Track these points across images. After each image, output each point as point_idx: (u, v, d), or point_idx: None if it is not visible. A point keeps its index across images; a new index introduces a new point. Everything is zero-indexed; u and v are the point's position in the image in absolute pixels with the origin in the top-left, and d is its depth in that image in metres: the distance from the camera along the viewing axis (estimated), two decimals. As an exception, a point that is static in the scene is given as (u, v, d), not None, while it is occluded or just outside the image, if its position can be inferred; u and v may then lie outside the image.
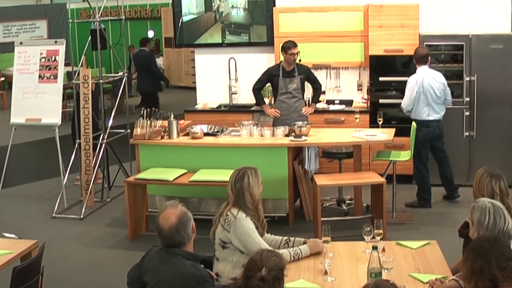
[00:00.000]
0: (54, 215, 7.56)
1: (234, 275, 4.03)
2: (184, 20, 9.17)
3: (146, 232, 6.93)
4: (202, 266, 3.58)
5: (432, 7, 8.26)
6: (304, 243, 4.29)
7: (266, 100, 8.23)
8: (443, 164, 7.54)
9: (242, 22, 8.99)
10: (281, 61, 7.59)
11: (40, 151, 11.22)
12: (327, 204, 7.47)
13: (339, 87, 8.81)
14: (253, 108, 8.66)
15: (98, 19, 7.95)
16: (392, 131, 7.18)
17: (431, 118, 7.30)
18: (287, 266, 3.18)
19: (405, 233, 6.52)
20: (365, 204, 7.24)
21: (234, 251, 4.16)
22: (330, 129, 7.74)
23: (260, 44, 8.93)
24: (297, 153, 7.09)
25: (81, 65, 8.44)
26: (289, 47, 7.35)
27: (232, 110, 8.91)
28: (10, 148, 8.29)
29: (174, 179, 6.61)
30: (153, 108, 7.12)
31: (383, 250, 4.15)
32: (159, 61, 18.48)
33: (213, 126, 7.38)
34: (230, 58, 9.07)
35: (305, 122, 7.14)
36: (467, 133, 7.96)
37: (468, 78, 7.90)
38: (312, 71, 7.86)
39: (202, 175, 6.59)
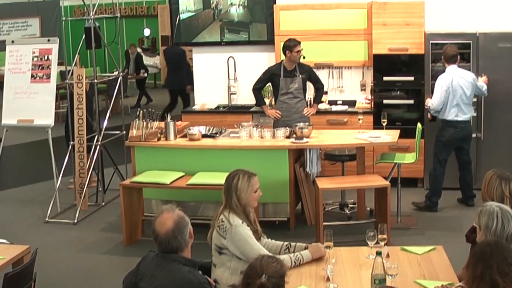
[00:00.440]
0: (47, 219, 7.56)
1: (232, 282, 4.05)
2: (181, 18, 9.18)
3: (142, 237, 6.93)
4: (200, 272, 3.58)
5: (438, 4, 8.26)
6: (306, 248, 4.29)
7: (267, 101, 8.23)
8: (465, 169, 7.56)
9: (241, 20, 9.00)
10: (282, 60, 7.59)
11: (32, 153, 11.22)
12: (330, 208, 7.47)
13: (342, 87, 8.82)
14: (252, 109, 8.66)
15: (92, 16, 7.96)
16: (396, 132, 7.18)
17: (459, 118, 7.33)
18: (288, 273, 3.18)
19: (410, 238, 6.52)
20: (368, 208, 7.24)
21: (231, 257, 4.17)
22: (332, 130, 7.75)
23: (260, 42, 8.94)
24: (298, 155, 7.09)
25: (75, 65, 8.43)
26: (294, 45, 7.35)
27: (231, 111, 8.91)
28: (2, 150, 8.29)
29: (171, 182, 6.61)
30: (150, 109, 7.12)
31: (387, 255, 4.15)
32: (156, 60, 18.53)
33: (212, 128, 7.37)
34: (229, 57, 9.07)
35: (307, 124, 7.15)
36: (474, 135, 7.95)
37: (475, 78, 7.91)
38: (314, 70, 7.86)
39: (200, 178, 6.59)
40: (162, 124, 7.07)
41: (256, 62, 8.86)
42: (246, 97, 8.91)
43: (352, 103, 8.67)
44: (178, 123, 7.40)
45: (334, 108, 8.59)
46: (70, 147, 8.07)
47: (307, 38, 8.33)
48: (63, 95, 13.05)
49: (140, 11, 19.81)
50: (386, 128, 7.21)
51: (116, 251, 6.63)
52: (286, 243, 4.45)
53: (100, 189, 8.28)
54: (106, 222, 7.54)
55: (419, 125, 7.18)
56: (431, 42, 7.94)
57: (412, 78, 8.12)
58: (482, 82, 7.50)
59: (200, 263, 3.80)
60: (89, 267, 6.26)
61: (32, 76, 8.05)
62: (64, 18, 8.90)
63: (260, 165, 6.72)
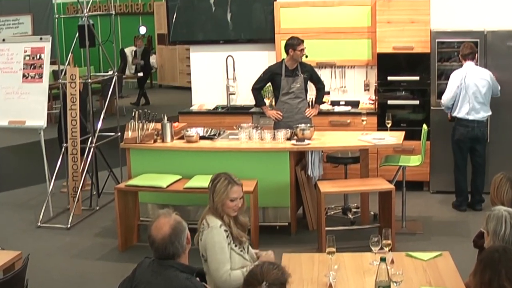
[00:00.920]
0: (39, 224, 7.56)
1: None
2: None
3: (138, 242, 6.93)
4: (197, 279, 3.58)
5: (444, 1, 8.27)
6: (258, 257, 4.33)
7: (266, 101, 8.23)
8: (476, 171, 7.59)
9: (241, 17, 8.99)
10: (283, 59, 7.59)
11: (24, 156, 11.21)
12: (332, 212, 7.47)
13: (345, 87, 8.83)
14: (252, 110, 8.66)
15: (86, 14, 7.96)
16: (401, 134, 7.19)
17: (471, 117, 7.36)
18: (289, 280, 3.18)
19: (416, 243, 6.52)
20: (372, 213, 7.25)
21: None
22: (335, 132, 7.75)
23: (260, 41, 8.94)
24: (299, 158, 7.09)
25: (68, 64, 8.45)
26: (298, 43, 7.36)
27: (230, 112, 8.92)
28: (-8, 153, 8.30)
29: (167, 186, 6.61)
30: (146, 110, 7.13)
31: (392, 262, 4.15)
32: (152, 59, 18.53)
33: (210, 129, 7.38)
34: (227, 56, 9.08)
35: (308, 125, 7.15)
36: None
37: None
38: (316, 70, 7.87)
39: (197, 182, 6.59)
40: (159, 125, 7.07)
41: (256, 61, 8.86)
42: (246, 98, 8.91)
43: (355, 104, 8.68)
44: (175, 124, 7.41)
45: (337, 109, 8.59)
46: (63, 149, 8.07)
47: (308, 36, 8.33)
48: (56, 95, 13.05)
49: (136, 8, 19.82)
50: (391, 130, 7.22)
51: (111, 257, 6.62)
52: (256, 251, 4.47)
53: (94, 192, 8.28)
54: (100, 227, 7.54)
55: (424, 126, 7.19)
56: (437, 40, 7.95)
57: (417, 78, 8.12)
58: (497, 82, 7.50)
59: (198, 269, 3.81)
60: (82, 273, 6.26)
61: (23, 75, 8.04)
62: (57, 16, 8.90)
63: (260, 168, 6.74)
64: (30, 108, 7.93)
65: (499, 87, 7.49)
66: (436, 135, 8.00)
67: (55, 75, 12.45)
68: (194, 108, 9.21)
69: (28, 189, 9.10)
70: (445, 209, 7.60)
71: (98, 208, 8.12)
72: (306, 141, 6.85)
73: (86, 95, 8.30)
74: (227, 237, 4.20)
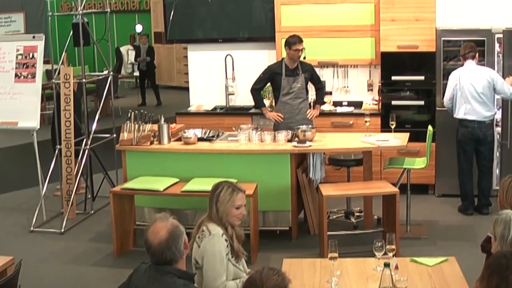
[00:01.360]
0: (31, 228, 7.56)
1: None
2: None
3: (134, 247, 6.93)
4: (195, 285, 3.58)
5: (450, -2, 8.29)
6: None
7: (266, 102, 8.24)
8: (482, 174, 7.60)
9: (240, 15, 9.00)
10: (283, 58, 7.59)
11: (16, 158, 11.22)
12: (334, 216, 7.48)
13: (348, 87, 8.83)
14: (252, 111, 8.67)
15: (80, 12, 7.97)
16: (406, 135, 7.19)
17: (469, 117, 7.40)
18: (290, 286, 3.18)
19: (421, 248, 6.53)
20: (376, 217, 7.25)
21: (201, 277, 4.17)
22: (337, 133, 7.75)
23: (260, 39, 8.95)
24: (300, 160, 7.09)
25: (62, 63, 8.45)
26: (294, 42, 7.36)
27: (229, 113, 8.92)
28: (-17, 155, 8.30)
29: (164, 189, 6.61)
30: (142, 111, 7.13)
31: (396, 267, 4.14)
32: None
33: (208, 131, 7.38)
34: (226, 55, 9.09)
35: (310, 126, 7.16)
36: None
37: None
38: (318, 69, 7.89)
39: (195, 185, 6.60)
40: (155, 126, 7.07)
41: (256, 60, 8.87)
42: (245, 98, 8.92)
43: (358, 104, 8.68)
44: (172, 125, 7.41)
45: (339, 109, 8.60)
46: (56, 152, 8.07)
47: (310, 34, 8.35)
48: (49, 95, 13.06)
49: (132, 5, 19.84)
50: (395, 131, 7.22)
51: (106, 263, 6.62)
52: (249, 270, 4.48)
53: (89, 196, 8.28)
54: (95, 231, 7.54)
55: (430, 127, 7.19)
56: (442, 39, 7.96)
57: (422, 78, 8.12)
58: (509, 84, 7.46)
59: (196, 275, 3.81)
60: (77, 279, 6.26)
61: (16, 75, 8.04)
62: (50, 13, 8.95)
63: (260, 170, 6.74)
64: (23, 109, 7.93)
65: (510, 88, 7.44)
66: (441, 136, 8.00)
67: (48, 74, 12.46)
68: (192, 108, 9.21)
69: (20, 192, 9.10)
70: (451, 213, 7.61)
71: (92, 212, 8.13)
72: (308, 143, 6.85)
73: (80, 95, 8.30)
74: (226, 246, 4.21)
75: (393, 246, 4.17)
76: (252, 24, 9.01)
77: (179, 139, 7.14)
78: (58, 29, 18.62)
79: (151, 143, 7.03)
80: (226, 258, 4.19)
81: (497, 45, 7.86)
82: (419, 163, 7.11)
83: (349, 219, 7.39)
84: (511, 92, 7.41)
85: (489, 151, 7.56)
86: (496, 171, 7.88)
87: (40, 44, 8.04)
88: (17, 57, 8.06)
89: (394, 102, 8.27)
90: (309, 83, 7.69)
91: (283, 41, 7.67)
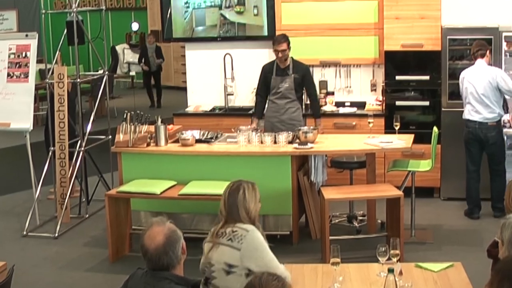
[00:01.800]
0: (24, 233, 7.56)
1: None
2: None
3: (130, 252, 6.93)
4: (193, 292, 3.58)
5: (456, -4, 8.30)
6: None
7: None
8: (491, 176, 7.61)
9: (239, 13, 9.01)
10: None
11: (9, 160, 11.22)
12: (337, 220, 7.47)
13: (350, 87, 8.84)
14: (251, 111, 8.66)
15: (75, 9, 7.97)
16: (410, 137, 7.19)
17: (471, 118, 7.45)
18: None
19: (426, 253, 6.53)
20: (379, 221, 7.25)
21: (240, 276, 4.12)
22: (339, 135, 7.75)
23: (260, 38, 8.95)
24: (302, 162, 7.10)
25: (56, 62, 8.45)
26: (273, 42, 7.43)
27: (228, 114, 8.93)
28: (-25, 157, 8.30)
29: (161, 192, 6.61)
30: (139, 111, 7.13)
31: (400, 273, 4.15)
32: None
33: (206, 132, 7.38)
34: (225, 54, 9.09)
35: (311, 127, 7.15)
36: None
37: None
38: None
39: (193, 188, 6.60)
40: (152, 128, 7.07)
41: (256, 59, 8.85)
42: (244, 98, 8.93)
43: (361, 105, 8.69)
44: (170, 127, 7.41)
45: (342, 110, 8.60)
46: (50, 154, 8.07)
47: (311, 33, 8.36)
48: (43, 96, 13.06)
49: (128, 3, 19.86)
50: (399, 133, 7.22)
51: (101, 268, 6.62)
52: None
53: (84, 199, 8.28)
54: (90, 236, 7.54)
55: (435, 129, 7.19)
56: (448, 37, 7.96)
57: (427, 77, 8.13)
58: None
59: (194, 281, 3.80)
60: (71, 285, 6.26)
61: (8, 75, 8.05)
62: (43, 11, 8.92)
63: (260, 173, 6.73)
64: (15, 110, 7.93)
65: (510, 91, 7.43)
66: (447, 138, 8.01)
67: (41, 74, 12.45)
68: (190, 109, 9.21)
69: (13, 195, 9.11)
70: (457, 217, 7.61)
71: (87, 216, 8.13)
72: (309, 145, 6.85)
73: (74, 95, 8.30)
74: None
75: (397, 251, 4.17)
76: (252, 22, 8.98)
77: (176, 141, 7.15)
78: (51, 27, 18.63)
79: (148, 144, 7.03)
80: None
81: (504, 43, 7.87)
82: (424, 165, 7.11)
83: (352, 223, 7.38)
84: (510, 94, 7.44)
85: (496, 153, 7.55)
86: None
87: (33, 43, 8.05)
88: (9, 56, 8.07)
89: (398, 103, 8.27)
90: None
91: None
